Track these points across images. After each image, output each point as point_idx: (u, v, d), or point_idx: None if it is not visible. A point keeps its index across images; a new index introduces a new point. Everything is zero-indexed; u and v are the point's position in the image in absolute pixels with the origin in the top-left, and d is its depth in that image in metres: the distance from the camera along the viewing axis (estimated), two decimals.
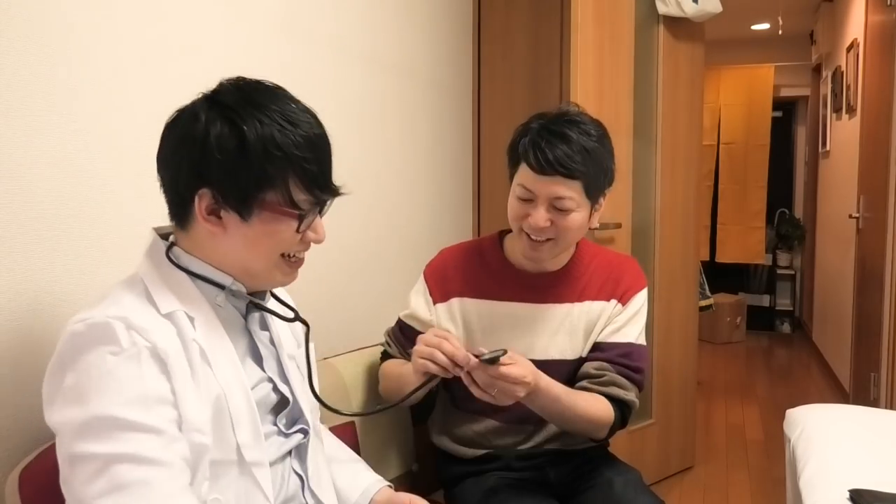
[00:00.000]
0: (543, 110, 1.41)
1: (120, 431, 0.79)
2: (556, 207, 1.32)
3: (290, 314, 1.06)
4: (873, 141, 3.36)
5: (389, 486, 1.20)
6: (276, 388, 1.01)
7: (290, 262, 0.97)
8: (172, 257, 0.94)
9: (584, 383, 1.39)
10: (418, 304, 1.48)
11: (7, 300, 1.00)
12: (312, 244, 0.98)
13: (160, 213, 1.26)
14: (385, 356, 1.54)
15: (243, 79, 0.94)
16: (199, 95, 0.93)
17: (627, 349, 1.44)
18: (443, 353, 1.21)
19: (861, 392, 3.42)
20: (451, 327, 1.45)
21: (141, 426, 0.80)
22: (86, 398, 0.80)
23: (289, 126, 0.89)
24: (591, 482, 1.44)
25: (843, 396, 3.90)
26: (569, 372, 1.43)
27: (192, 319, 0.90)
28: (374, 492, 1.16)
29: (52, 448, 0.97)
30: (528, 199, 1.34)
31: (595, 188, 1.35)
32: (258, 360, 1.01)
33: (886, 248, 3.01)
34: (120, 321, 0.83)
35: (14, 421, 1.00)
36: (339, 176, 0.97)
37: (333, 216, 1.77)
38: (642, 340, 1.47)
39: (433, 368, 1.22)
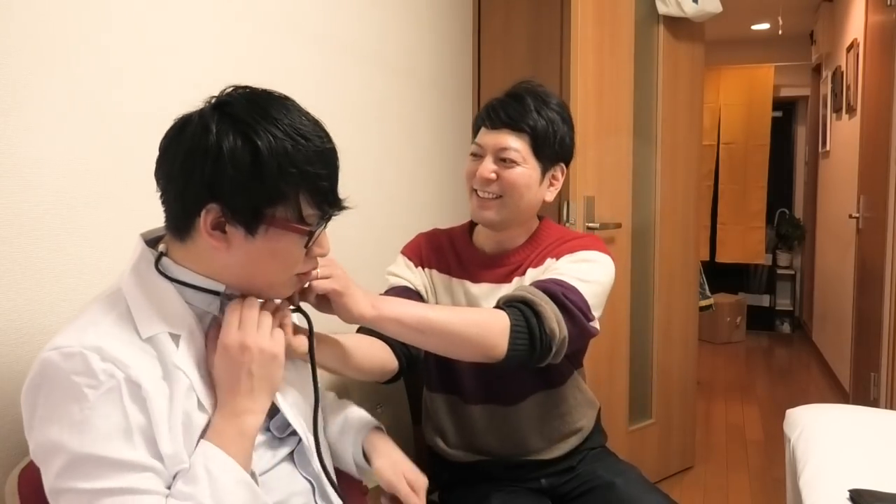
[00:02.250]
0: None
1: (105, 469, 0.78)
2: (502, 159, 1.36)
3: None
4: (873, 141, 3.36)
5: (379, 428, 1.17)
6: None
7: (301, 277, 0.97)
8: (161, 269, 0.90)
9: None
10: (399, 269, 1.49)
11: (7, 300, 1.00)
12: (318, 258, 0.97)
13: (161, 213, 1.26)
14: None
15: (252, 88, 0.91)
16: (205, 104, 0.89)
17: (552, 285, 1.26)
18: None
19: (861, 392, 3.42)
20: (428, 294, 1.47)
21: (125, 463, 0.79)
22: (66, 434, 0.78)
23: (301, 140, 0.86)
24: (590, 485, 1.44)
25: (843, 396, 3.90)
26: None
27: (176, 338, 0.88)
28: (361, 440, 1.13)
29: None
30: (480, 155, 1.39)
31: (544, 149, 1.36)
32: None
33: (886, 248, 3.01)
34: (94, 352, 0.80)
35: (14, 421, 1.00)
36: (340, 179, 0.95)
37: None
38: (577, 285, 1.28)
39: None
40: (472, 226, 1.53)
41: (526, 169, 1.35)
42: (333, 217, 0.94)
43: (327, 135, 0.91)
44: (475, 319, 1.18)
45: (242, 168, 0.84)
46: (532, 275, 1.38)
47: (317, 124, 0.91)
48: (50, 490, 0.80)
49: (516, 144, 1.35)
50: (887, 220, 3.00)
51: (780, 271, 5.99)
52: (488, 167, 1.35)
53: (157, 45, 1.26)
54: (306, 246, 0.92)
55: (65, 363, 0.80)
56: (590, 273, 1.32)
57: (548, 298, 1.23)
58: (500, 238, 1.44)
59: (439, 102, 2.41)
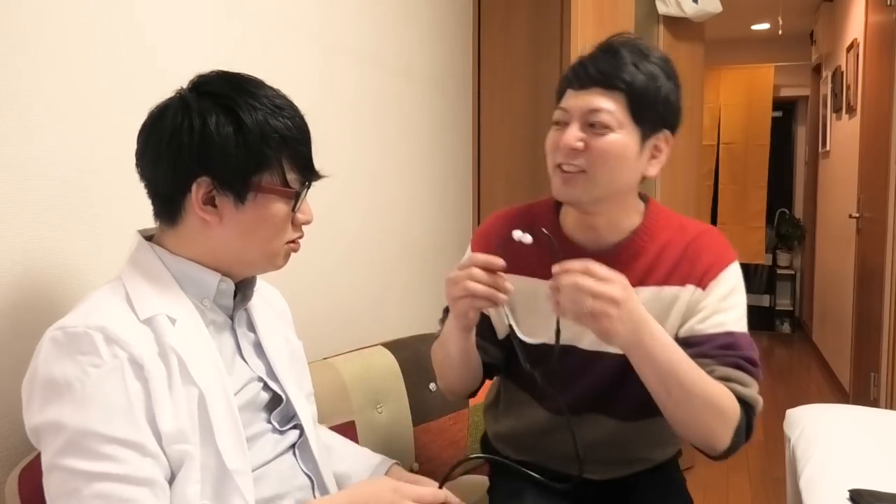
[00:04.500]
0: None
1: (105, 446, 0.79)
2: (591, 124, 1.10)
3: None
4: (873, 141, 3.36)
5: (397, 464, 1.20)
6: (266, 387, 1.01)
7: (291, 246, 1.00)
8: (156, 257, 0.94)
9: None
10: None
11: (6, 298, 1.00)
12: (306, 230, 1.01)
13: None
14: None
15: (223, 70, 0.96)
16: (176, 92, 0.94)
17: (728, 339, 1.13)
18: (476, 280, 1.05)
19: (861, 392, 3.42)
20: (503, 308, 1.19)
21: (125, 442, 0.80)
22: (68, 412, 0.79)
23: (278, 111, 0.92)
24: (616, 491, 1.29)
25: (843, 396, 3.90)
26: (626, 371, 1.10)
27: (173, 321, 0.88)
28: (384, 470, 1.17)
29: None
30: (564, 122, 1.13)
31: (644, 110, 1.10)
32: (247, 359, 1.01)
33: (886, 248, 3.01)
34: (98, 331, 0.81)
35: (14, 421, 1.00)
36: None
37: (333, 216, 1.77)
38: (743, 328, 1.16)
39: (480, 304, 1.07)
40: (557, 205, 1.26)
41: (621, 136, 1.09)
42: (310, 186, 0.97)
43: (296, 107, 0.97)
44: (718, 396, 1.06)
45: (229, 137, 0.89)
46: (665, 299, 1.16)
47: (287, 98, 0.96)
48: (46, 466, 0.80)
49: (609, 105, 1.09)
50: (887, 220, 3.00)
51: (780, 271, 5.99)
52: (574, 133, 1.09)
53: (157, 45, 1.26)
54: (294, 210, 0.96)
55: (69, 343, 0.81)
56: (741, 299, 1.19)
57: (753, 381, 1.12)
58: (594, 223, 1.18)
59: (439, 102, 2.41)
